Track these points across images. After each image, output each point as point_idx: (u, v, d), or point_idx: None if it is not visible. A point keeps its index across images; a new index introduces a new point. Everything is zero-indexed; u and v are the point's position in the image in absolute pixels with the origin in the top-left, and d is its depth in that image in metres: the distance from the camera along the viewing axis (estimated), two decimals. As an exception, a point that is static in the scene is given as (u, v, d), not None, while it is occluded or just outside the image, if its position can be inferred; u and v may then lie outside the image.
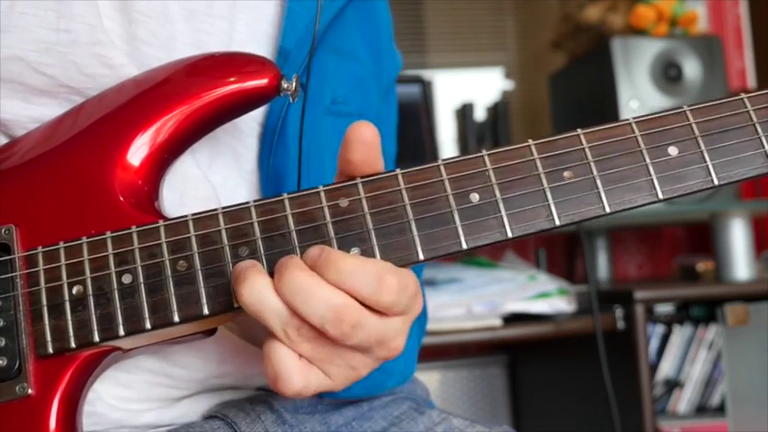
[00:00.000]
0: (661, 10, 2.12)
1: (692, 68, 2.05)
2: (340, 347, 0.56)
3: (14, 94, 0.67)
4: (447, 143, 2.49)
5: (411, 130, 1.95)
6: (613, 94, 2.03)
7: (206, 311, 0.58)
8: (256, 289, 0.55)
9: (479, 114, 2.45)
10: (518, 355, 2.29)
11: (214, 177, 0.71)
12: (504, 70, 2.91)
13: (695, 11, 2.21)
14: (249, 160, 0.74)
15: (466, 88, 2.73)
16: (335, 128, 0.78)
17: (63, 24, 0.66)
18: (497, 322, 1.71)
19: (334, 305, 0.54)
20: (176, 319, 0.58)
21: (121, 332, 0.58)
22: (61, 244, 0.60)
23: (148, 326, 0.58)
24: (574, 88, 2.32)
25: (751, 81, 2.66)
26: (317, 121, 0.74)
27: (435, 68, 2.78)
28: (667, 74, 2.04)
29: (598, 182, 0.59)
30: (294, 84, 0.64)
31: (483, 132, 2.43)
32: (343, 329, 0.54)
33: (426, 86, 2.04)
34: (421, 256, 0.58)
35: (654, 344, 2.10)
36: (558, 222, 0.58)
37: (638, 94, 2.01)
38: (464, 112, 2.42)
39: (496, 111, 2.42)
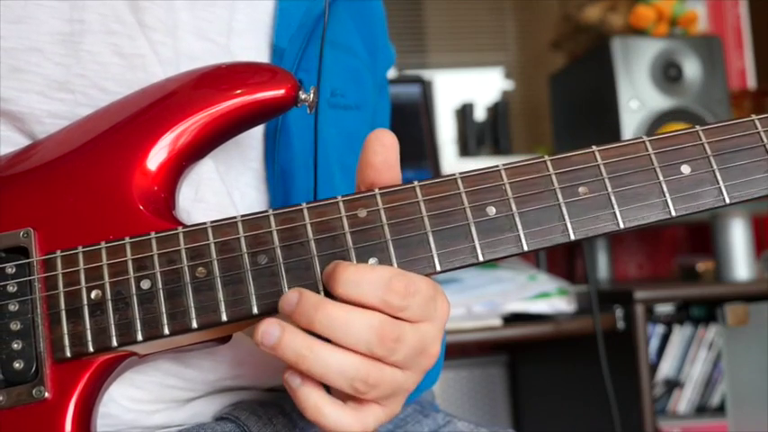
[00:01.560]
0: (661, 10, 2.12)
1: (692, 68, 2.04)
2: (396, 379, 0.57)
3: (32, 87, 0.67)
4: (447, 143, 2.49)
5: (411, 130, 1.94)
6: (613, 94, 2.02)
7: (224, 318, 0.58)
8: (321, 361, 0.55)
9: (479, 114, 2.45)
10: (518, 355, 2.28)
11: (218, 167, 0.72)
12: (504, 70, 2.91)
13: (695, 11, 2.20)
14: (252, 148, 0.74)
15: (466, 88, 2.73)
16: (335, 120, 0.79)
17: (77, 15, 0.67)
18: (497, 322, 1.70)
19: (374, 325, 0.55)
20: (195, 325, 0.58)
21: (140, 337, 0.58)
22: (80, 248, 0.60)
23: (167, 331, 0.58)
24: (574, 88, 2.31)
25: (751, 81, 2.66)
26: (319, 113, 0.75)
27: (435, 68, 2.78)
28: (667, 74, 2.03)
29: (612, 198, 0.59)
30: (312, 95, 0.65)
31: (483, 132, 2.43)
32: (389, 345, 0.55)
33: (426, 86, 2.04)
34: (438, 268, 0.58)
35: (654, 344, 2.11)
36: (573, 237, 0.59)
37: (638, 94, 2.01)
38: (464, 112, 2.42)
39: (496, 111, 2.42)
